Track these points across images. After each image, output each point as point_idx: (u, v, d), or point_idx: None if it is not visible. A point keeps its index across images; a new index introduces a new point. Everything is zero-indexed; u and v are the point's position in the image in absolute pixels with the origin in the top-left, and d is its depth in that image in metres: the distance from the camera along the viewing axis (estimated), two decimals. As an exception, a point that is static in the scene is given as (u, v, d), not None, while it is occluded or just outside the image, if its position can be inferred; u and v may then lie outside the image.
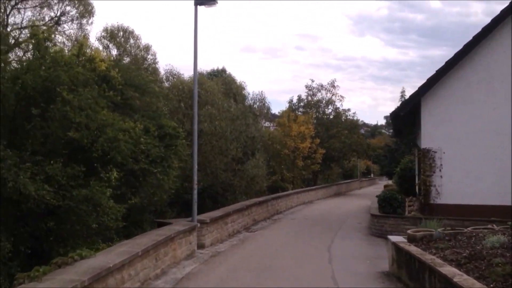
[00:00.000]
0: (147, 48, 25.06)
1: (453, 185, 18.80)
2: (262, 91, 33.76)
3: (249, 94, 35.50)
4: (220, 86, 29.91)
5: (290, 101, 51.81)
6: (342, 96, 52.52)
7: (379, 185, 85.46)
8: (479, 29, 18.64)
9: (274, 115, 55.77)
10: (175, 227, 14.43)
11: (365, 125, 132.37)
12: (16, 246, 12.23)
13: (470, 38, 18.73)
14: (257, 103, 33.90)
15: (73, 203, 12.66)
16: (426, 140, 19.22)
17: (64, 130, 13.58)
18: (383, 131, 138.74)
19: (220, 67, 45.96)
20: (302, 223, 24.38)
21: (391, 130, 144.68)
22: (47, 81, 13.54)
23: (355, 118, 52.34)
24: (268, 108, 33.00)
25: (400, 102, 47.00)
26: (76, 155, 13.96)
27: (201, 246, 16.15)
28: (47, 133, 13.70)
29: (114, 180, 13.88)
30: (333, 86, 52.14)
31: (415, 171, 30.81)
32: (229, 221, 19.34)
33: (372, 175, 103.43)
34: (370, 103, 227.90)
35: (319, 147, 47.87)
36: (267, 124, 52.55)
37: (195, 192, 16.13)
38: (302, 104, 53.21)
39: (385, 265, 13.18)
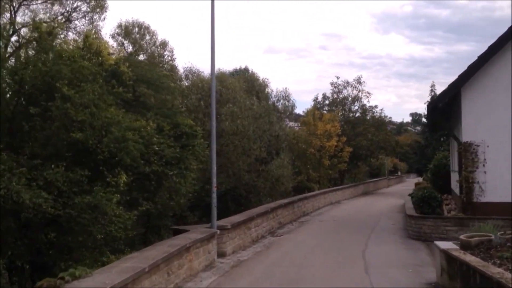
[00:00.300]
0: (163, 45, 23.65)
1: (499, 182, 16.86)
2: (286, 88, 32.36)
3: (272, 91, 34.06)
4: (242, 84, 28.34)
5: (315, 99, 50.15)
6: (368, 93, 50.59)
7: (407, 183, 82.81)
8: (505, 24, 16.71)
9: (298, 115, 54.10)
10: (191, 235, 12.88)
11: (391, 122, 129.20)
12: (13, 261, 10.86)
13: (497, 33, 16.88)
14: (281, 101, 32.34)
15: (75, 211, 11.21)
16: (468, 133, 17.31)
17: (66, 131, 12.16)
18: (409, 128, 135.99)
19: (243, 67, 44.57)
20: (331, 225, 22.64)
21: (418, 128, 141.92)
22: (47, 77, 12.15)
23: (382, 114, 50.27)
24: (293, 106, 31.39)
25: (430, 97, 44.91)
26: (81, 158, 12.52)
27: (221, 254, 14.58)
28: (48, 134, 12.32)
29: (122, 184, 12.42)
30: (359, 83, 50.23)
31: (449, 168, 28.80)
32: (252, 225, 17.75)
33: (399, 173, 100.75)
34: (395, 101, 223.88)
35: (345, 145, 45.98)
36: (291, 124, 50.94)
37: (214, 195, 14.62)
38: (327, 102, 51.37)
39: (431, 274, 11.41)
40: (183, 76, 26.26)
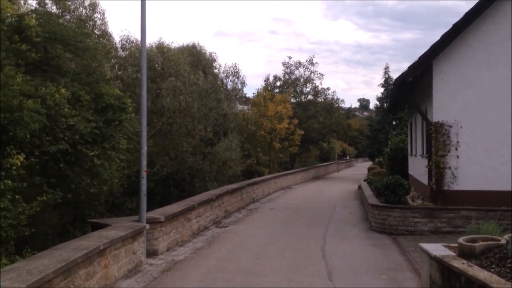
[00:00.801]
0: (93, 6, 20.13)
1: (474, 168, 14.77)
2: (235, 64, 29.22)
3: (220, 66, 30.97)
4: (187, 57, 25.23)
5: (266, 80, 47.45)
6: (321, 74, 48.42)
7: (356, 167, 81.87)
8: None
9: (248, 99, 51.26)
10: (110, 232, 9.92)
11: (339, 107, 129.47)
12: None
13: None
14: (230, 77, 29.35)
15: None
16: (439, 112, 15.06)
17: None
18: (357, 113, 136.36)
19: (191, 44, 41.12)
20: (283, 214, 20.14)
21: (365, 113, 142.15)
22: None
23: (334, 97, 48.23)
24: (243, 83, 28.40)
25: (383, 79, 43.16)
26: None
27: (153, 253, 11.72)
28: None
29: (16, 168, 9.31)
30: (312, 64, 47.95)
31: (407, 152, 26.88)
32: (193, 216, 14.93)
33: (348, 157, 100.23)
34: (343, 87, 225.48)
35: (297, 128, 43.70)
36: (241, 107, 48.10)
37: (144, 182, 11.71)
38: (278, 84, 48.80)
39: (411, 282, 9.01)
40: (119, 46, 22.92)
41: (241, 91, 28.64)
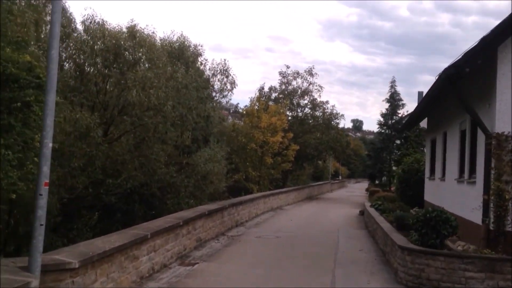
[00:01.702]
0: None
1: (554, 201, 10.03)
2: (225, 60, 24.28)
3: (206, 61, 25.64)
4: (166, 45, 20.50)
5: (261, 89, 42.67)
6: (320, 86, 43.70)
7: (350, 188, 77.00)
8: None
9: (239, 113, 46.31)
10: None
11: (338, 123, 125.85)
12: None
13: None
14: (218, 76, 24.54)
15: None
16: (504, 118, 10.34)
17: None
18: (350, 134, 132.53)
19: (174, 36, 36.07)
20: (273, 245, 15.24)
21: (358, 134, 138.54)
22: None
23: (334, 111, 43.53)
24: (233, 83, 23.46)
25: (389, 94, 38.61)
26: None
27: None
28: None
29: None
30: (311, 74, 43.35)
31: (423, 174, 22.16)
32: (143, 251, 10.02)
33: (340, 177, 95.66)
34: (338, 107, 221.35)
35: (291, 142, 38.92)
36: (231, 120, 43.24)
37: (42, 203, 6.75)
38: (274, 96, 44.12)
39: None
40: (81, 28, 18.03)
41: (230, 94, 23.83)
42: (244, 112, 38.50)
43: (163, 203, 18.86)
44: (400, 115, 38.49)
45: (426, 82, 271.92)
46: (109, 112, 16.47)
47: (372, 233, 17.36)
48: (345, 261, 12.89)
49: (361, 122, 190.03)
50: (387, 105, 38.33)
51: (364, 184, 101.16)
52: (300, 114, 43.86)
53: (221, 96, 21.83)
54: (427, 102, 15.33)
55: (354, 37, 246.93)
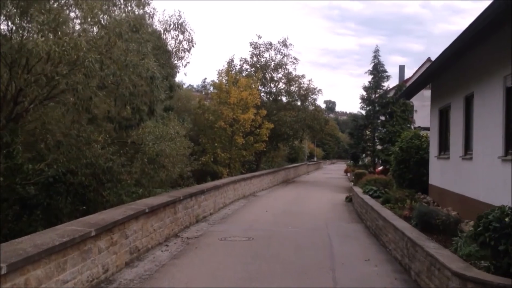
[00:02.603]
0: None
1: None
2: (179, 11, 19.22)
3: (155, 11, 19.90)
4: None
5: (230, 62, 37.70)
6: (296, 59, 39.05)
7: (327, 170, 72.92)
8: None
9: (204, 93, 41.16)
10: None
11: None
12: None
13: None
14: (172, 32, 19.26)
15: None
16: None
17: None
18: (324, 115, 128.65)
19: None
20: (242, 256, 10.61)
21: (331, 115, 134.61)
22: None
23: (311, 86, 38.97)
24: (190, 40, 18.38)
25: (372, 65, 34.13)
26: None
27: None
28: None
29: None
30: (285, 45, 38.60)
31: (426, 153, 17.90)
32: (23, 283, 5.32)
33: (315, 159, 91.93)
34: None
35: (265, 120, 34.29)
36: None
37: None
38: (246, 67, 39.29)
39: None
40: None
41: (188, 55, 18.64)
42: (211, 87, 33.61)
43: (99, 194, 14.03)
44: (385, 88, 34.12)
45: (396, 62, 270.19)
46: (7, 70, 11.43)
47: (374, 230, 12.94)
48: (351, 283, 8.38)
49: (333, 103, 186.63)
50: (369, 78, 33.89)
51: (341, 165, 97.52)
52: (274, 89, 39.21)
53: (177, 58, 16.94)
54: (461, 46, 10.73)
55: (325, 18, 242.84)
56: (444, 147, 15.30)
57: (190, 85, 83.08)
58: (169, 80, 37.55)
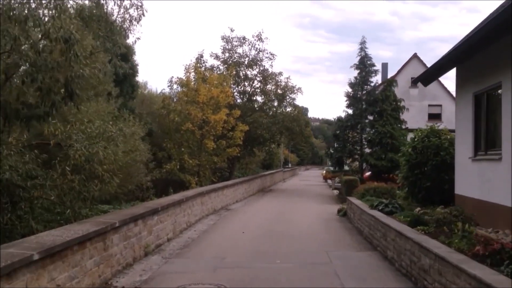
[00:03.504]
0: None
1: None
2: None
3: None
4: None
5: (199, 58, 33.00)
6: (272, 54, 34.65)
7: (303, 176, 68.37)
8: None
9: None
10: None
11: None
12: None
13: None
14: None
15: None
16: None
17: None
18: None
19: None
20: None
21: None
22: None
23: (289, 84, 34.61)
24: (140, 7, 13.87)
25: (359, 58, 29.91)
26: None
27: None
28: None
29: None
30: (260, 39, 34.19)
31: (449, 154, 13.67)
32: None
33: (290, 165, 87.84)
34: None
35: (239, 122, 29.75)
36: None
37: None
38: (217, 64, 34.74)
39: None
40: None
41: (137, 26, 13.90)
42: (177, 85, 28.86)
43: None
44: (373, 83, 29.99)
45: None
46: None
47: (407, 268, 8.47)
48: None
49: (306, 109, 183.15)
50: (355, 73, 29.72)
51: (316, 171, 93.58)
52: (248, 88, 34.66)
53: (123, 31, 12.31)
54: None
55: (296, 26, 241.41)
56: (485, 144, 11.04)
57: (156, 88, 77.88)
58: (130, 79, 32.83)
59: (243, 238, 13.07)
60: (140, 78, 30.54)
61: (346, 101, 30.00)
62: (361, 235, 13.42)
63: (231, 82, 31.85)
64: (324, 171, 57.39)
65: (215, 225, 15.73)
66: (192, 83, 28.53)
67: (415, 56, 39.13)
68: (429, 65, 16.02)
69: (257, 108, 34.20)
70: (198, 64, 30.98)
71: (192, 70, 29.01)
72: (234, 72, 33.64)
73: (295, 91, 34.09)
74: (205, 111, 27.27)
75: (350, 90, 29.87)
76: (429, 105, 38.91)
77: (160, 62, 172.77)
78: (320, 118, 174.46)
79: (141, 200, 19.95)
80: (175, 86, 28.88)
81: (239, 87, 34.70)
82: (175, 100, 30.27)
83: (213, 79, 28.63)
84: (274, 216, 18.53)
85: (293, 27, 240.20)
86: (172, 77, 28.32)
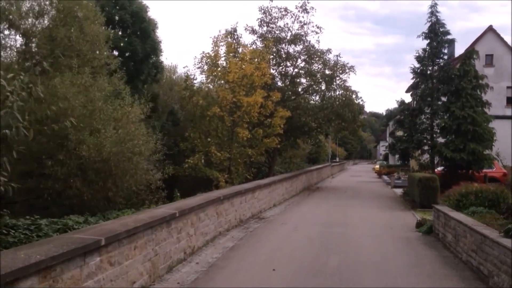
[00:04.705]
0: None
1: None
2: None
3: None
4: None
5: (232, 32, 27.13)
6: (319, 27, 28.42)
7: (352, 172, 60.33)
8: None
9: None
10: None
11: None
12: None
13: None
14: None
15: None
16: None
17: None
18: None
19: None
20: None
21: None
22: None
23: (340, 63, 28.27)
24: None
25: (429, 26, 23.07)
26: None
27: None
28: None
29: None
30: (305, 10, 27.99)
31: None
32: None
33: (337, 159, 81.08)
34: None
35: (279, 106, 23.85)
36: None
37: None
38: (253, 39, 28.95)
39: None
40: None
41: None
42: (203, 59, 23.16)
43: None
44: (447, 56, 23.19)
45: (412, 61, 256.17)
46: None
47: None
48: None
49: (359, 94, 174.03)
50: (424, 44, 23.12)
51: (365, 166, 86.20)
52: (291, 69, 28.58)
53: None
54: None
55: (340, 19, 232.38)
56: None
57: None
58: (151, 58, 27.56)
59: (273, 279, 7.26)
60: (169, 61, 25.01)
61: (413, 78, 23.41)
62: (483, 282, 7.28)
63: (270, 58, 25.90)
64: (378, 166, 50.55)
65: (232, 250, 9.94)
66: (223, 58, 22.82)
67: (490, 29, 31.81)
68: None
69: (301, 92, 28.07)
70: (229, 37, 25.08)
71: (222, 44, 23.21)
72: (274, 48, 27.72)
73: (347, 70, 27.76)
74: (236, 93, 21.55)
75: (417, 65, 23.25)
76: (508, 87, 31.60)
77: (193, 46, 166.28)
78: (368, 111, 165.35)
79: (148, 205, 14.49)
80: (202, 64, 23.10)
81: (280, 67, 28.69)
82: (201, 80, 24.57)
83: (247, 53, 22.83)
84: (324, 231, 12.53)
85: (337, 20, 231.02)
86: (203, 52, 22.71)
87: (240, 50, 24.40)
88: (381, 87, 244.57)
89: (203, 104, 21.69)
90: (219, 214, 11.44)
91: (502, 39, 31.54)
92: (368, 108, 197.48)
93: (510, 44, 31.64)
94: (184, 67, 55.60)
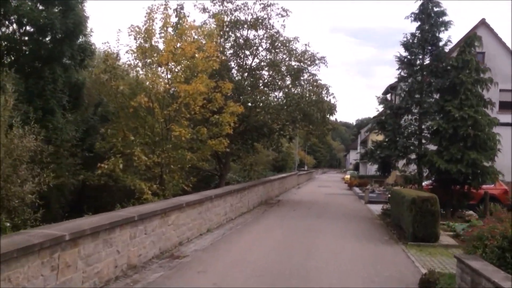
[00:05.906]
0: None
1: None
2: None
3: None
4: None
5: (178, 10, 21.39)
6: (285, 10, 23.04)
7: (320, 181, 54.14)
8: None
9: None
10: None
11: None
12: None
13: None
14: None
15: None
16: None
17: None
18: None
19: None
20: None
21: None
22: None
23: (308, 53, 22.97)
24: None
25: (418, 8, 17.91)
26: None
27: None
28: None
29: None
30: (268, -10, 22.63)
31: None
32: None
33: (306, 168, 76.32)
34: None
35: (231, 101, 18.34)
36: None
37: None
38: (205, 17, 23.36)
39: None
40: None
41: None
42: (132, 35, 17.45)
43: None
44: (442, 42, 18.09)
45: (385, 74, 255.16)
46: None
47: None
48: None
49: (329, 89, 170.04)
50: (414, 26, 18.03)
51: (334, 175, 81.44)
52: (250, 59, 23.12)
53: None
54: None
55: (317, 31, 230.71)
56: None
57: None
58: (74, 37, 21.55)
59: None
60: (105, 46, 19.08)
61: (399, 69, 18.24)
62: None
63: (220, 40, 20.44)
64: (348, 176, 45.55)
65: None
66: (157, 36, 17.16)
67: (482, 22, 27.18)
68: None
69: (261, 86, 22.62)
70: (169, 9, 19.28)
71: (159, 17, 17.51)
72: (232, 35, 22.36)
73: (317, 62, 22.50)
74: (175, 78, 16.00)
75: (404, 53, 18.15)
76: (501, 91, 26.93)
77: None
78: (338, 120, 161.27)
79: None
80: (131, 40, 17.33)
81: (239, 58, 23.18)
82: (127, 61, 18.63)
83: (190, 27, 17.27)
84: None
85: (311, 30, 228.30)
86: (131, 25, 17.01)
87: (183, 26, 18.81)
88: (352, 97, 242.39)
89: (125, 91, 16.03)
90: (90, 257, 5.80)
91: (496, 35, 26.94)
92: (338, 118, 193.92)
93: (505, 42, 27.14)
94: (103, 43, 47.98)
